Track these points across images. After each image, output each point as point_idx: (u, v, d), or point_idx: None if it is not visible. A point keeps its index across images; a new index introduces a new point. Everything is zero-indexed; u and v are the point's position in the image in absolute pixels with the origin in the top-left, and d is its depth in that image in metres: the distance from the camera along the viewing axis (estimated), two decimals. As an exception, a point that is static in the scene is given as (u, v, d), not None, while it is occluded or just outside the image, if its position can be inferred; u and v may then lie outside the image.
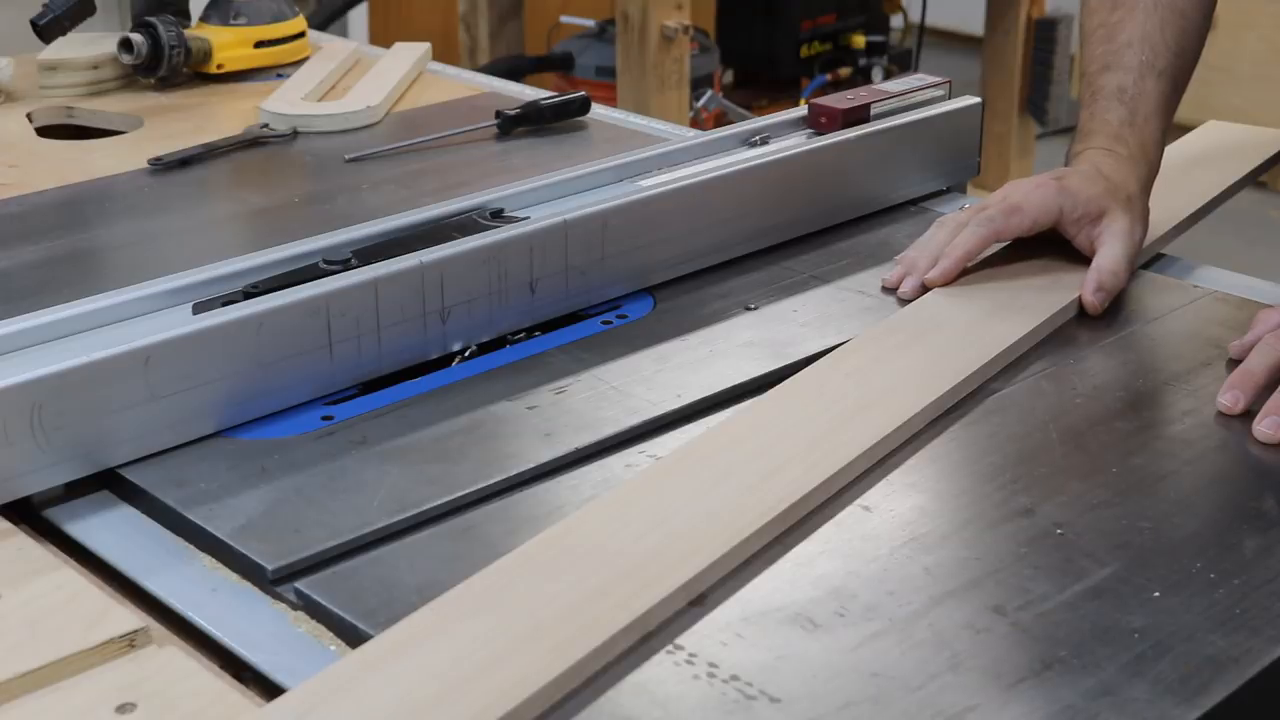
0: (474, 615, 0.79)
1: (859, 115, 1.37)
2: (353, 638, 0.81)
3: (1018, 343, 1.09)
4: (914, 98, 1.41)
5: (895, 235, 1.33)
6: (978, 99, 1.45)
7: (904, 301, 1.17)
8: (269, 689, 0.78)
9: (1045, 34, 4.71)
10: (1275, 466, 0.97)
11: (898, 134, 1.37)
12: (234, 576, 0.87)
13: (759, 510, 0.88)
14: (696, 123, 3.54)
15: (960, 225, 1.20)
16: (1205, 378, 1.07)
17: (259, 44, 1.80)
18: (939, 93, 1.43)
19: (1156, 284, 1.23)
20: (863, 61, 4.25)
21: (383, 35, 4.24)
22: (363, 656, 0.76)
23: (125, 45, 1.70)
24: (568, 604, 0.80)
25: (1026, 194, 1.19)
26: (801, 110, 1.40)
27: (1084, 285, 1.16)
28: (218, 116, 1.66)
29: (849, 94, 1.40)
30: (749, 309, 1.19)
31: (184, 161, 1.50)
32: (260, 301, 1.01)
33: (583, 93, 1.64)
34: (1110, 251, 1.16)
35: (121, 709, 0.74)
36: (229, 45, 1.78)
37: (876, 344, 1.09)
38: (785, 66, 4.19)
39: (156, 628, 0.82)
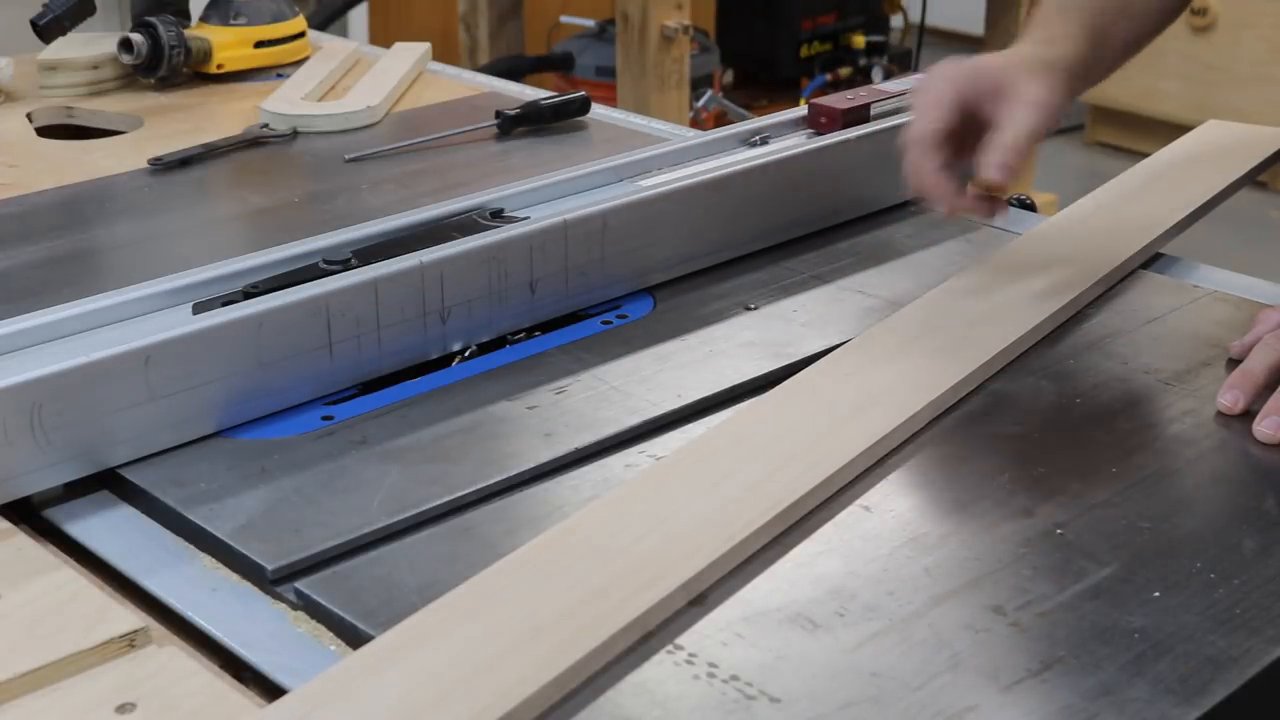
0: (474, 616, 0.79)
1: (859, 115, 1.37)
2: (353, 638, 0.81)
3: (1017, 342, 1.09)
4: (914, 98, 1.41)
5: (895, 235, 1.33)
6: (978, 99, 1.44)
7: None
8: (269, 689, 0.78)
9: (1045, 34, 4.67)
10: (1275, 466, 0.97)
11: (898, 134, 1.36)
12: (234, 576, 0.87)
13: (759, 510, 0.88)
14: (696, 123, 3.54)
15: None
16: (1205, 378, 1.07)
17: (259, 44, 1.80)
18: (939, 93, 1.43)
19: (1156, 284, 1.23)
20: (863, 61, 4.25)
21: (383, 35, 4.24)
22: (363, 658, 0.76)
23: (125, 45, 1.70)
24: (567, 604, 0.80)
25: (939, 81, 1.13)
26: (801, 110, 1.40)
27: (981, 159, 1.10)
28: (218, 116, 1.66)
29: (849, 94, 1.40)
30: (749, 309, 1.19)
31: (184, 161, 1.50)
32: (260, 301, 1.01)
33: (583, 93, 1.64)
34: (1011, 120, 1.10)
35: (121, 709, 0.74)
36: (229, 45, 1.78)
37: (876, 344, 1.09)
38: (785, 66, 4.19)
39: (156, 628, 0.82)
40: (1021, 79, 1.12)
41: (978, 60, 1.14)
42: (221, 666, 0.80)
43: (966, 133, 1.13)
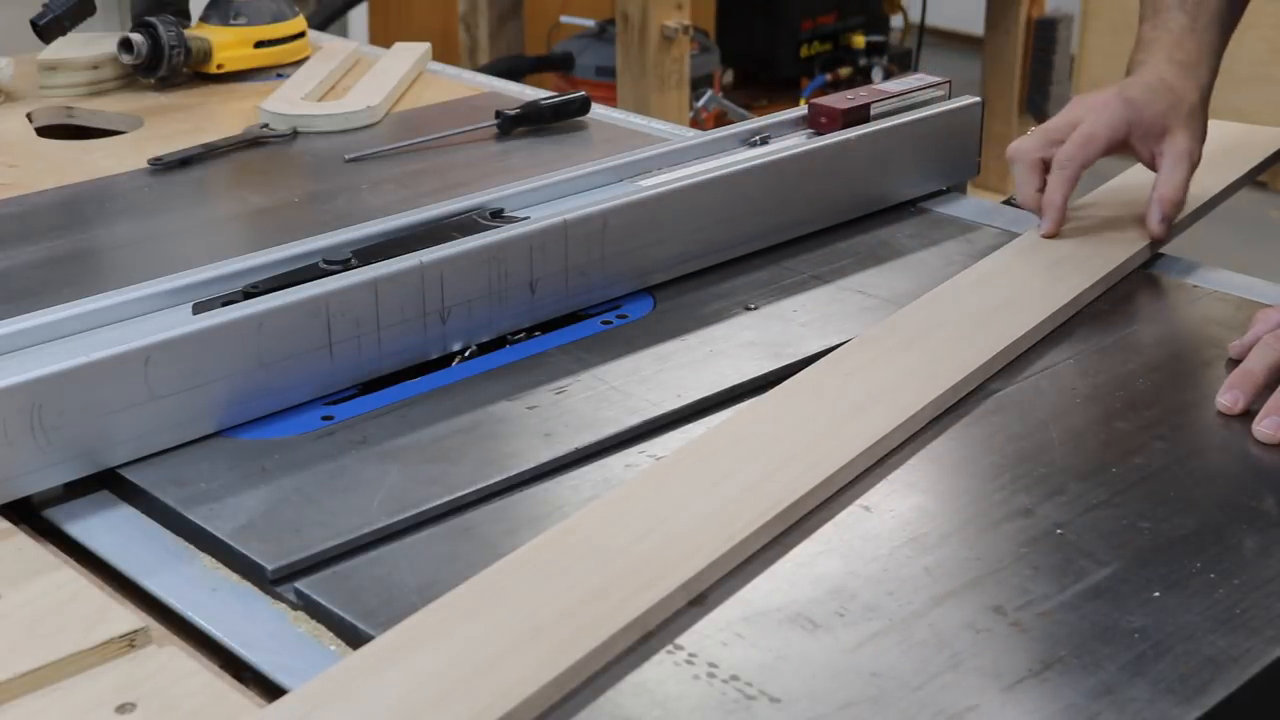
0: (474, 616, 0.79)
1: (859, 115, 1.37)
2: (352, 638, 0.81)
3: (1017, 342, 1.09)
4: (914, 98, 1.41)
5: (895, 235, 1.33)
6: (978, 99, 1.45)
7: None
8: (269, 689, 0.78)
9: (1045, 34, 4.70)
10: (1275, 466, 0.97)
11: (898, 134, 1.37)
12: (234, 576, 0.87)
13: (759, 510, 0.88)
14: (696, 123, 3.55)
15: (1033, 163, 1.25)
16: (1205, 378, 1.07)
17: (259, 44, 1.80)
18: (939, 93, 1.43)
19: (1156, 284, 1.23)
20: (863, 61, 4.26)
21: (383, 35, 4.24)
22: (363, 658, 0.76)
23: (125, 45, 1.70)
24: (567, 604, 0.80)
25: (1096, 119, 1.23)
26: (801, 110, 1.40)
27: (1148, 215, 1.23)
28: (218, 116, 1.66)
29: (849, 94, 1.40)
30: (749, 309, 1.19)
31: (184, 161, 1.50)
32: (260, 301, 1.01)
33: (583, 93, 1.64)
34: (1170, 177, 1.23)
35: (121, 709, 0.74)
36: (229, 45, 1.78)
37: (876, 344, 1.09)
38: (785, 66, 4.20)
39: (156, 628, 0.82)
40: (1177, 127, 1.23)
41: (1133, 99, 1.23)
42: (221, 666, 0.80)
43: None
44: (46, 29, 1.70)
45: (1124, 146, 1.25)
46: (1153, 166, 1.25)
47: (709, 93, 3.67)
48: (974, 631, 0.80)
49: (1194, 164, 1.24)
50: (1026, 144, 1.26)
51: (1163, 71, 1.25)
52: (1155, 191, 1.24)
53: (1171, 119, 1.23)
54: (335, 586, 0.85)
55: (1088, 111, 1.25)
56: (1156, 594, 0.83)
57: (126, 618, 0.81)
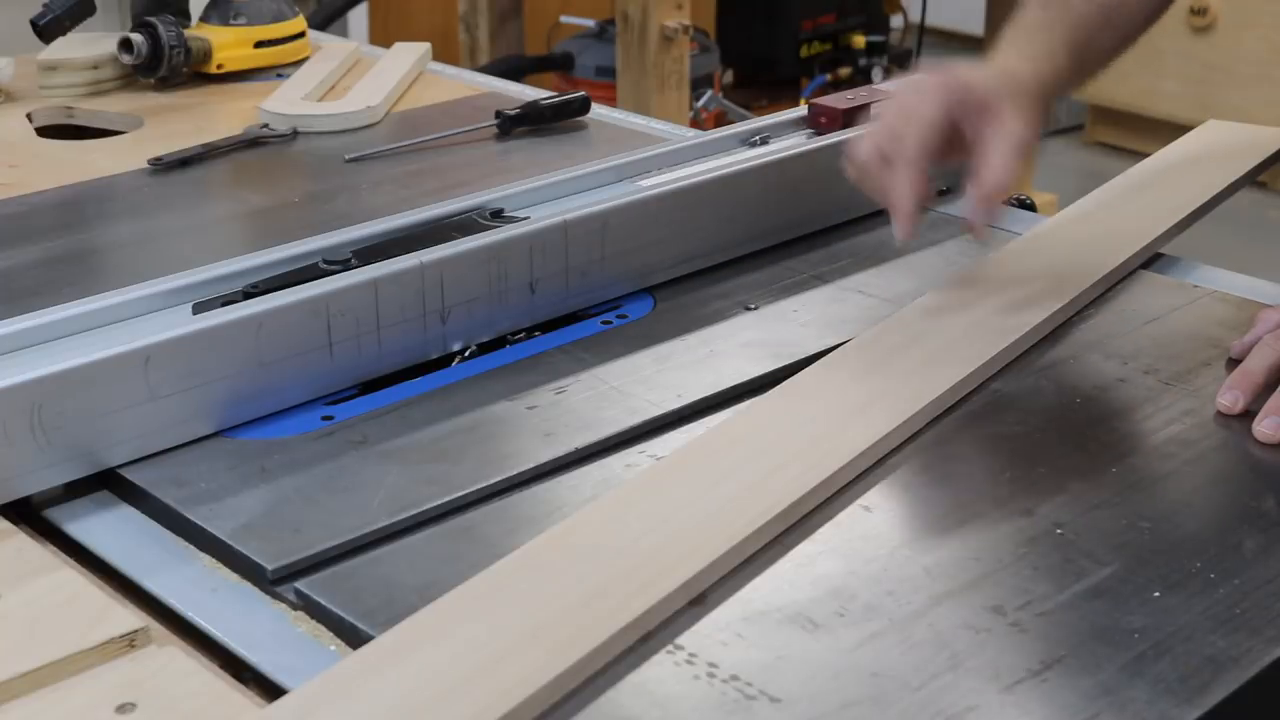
0: (474, 616, 0.79)
1: (859, 115, 1.37)
2: (352, 638, 0.81)
3: (1017, 342, 1.09)
4: (914, 98, 1.41)
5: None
6: (978, 99, 1.44)
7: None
8: (269, 689, 0.78)
9: (1045, 34, 4.67)
10: (1275, 466, 0.97)
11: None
12: (234, 576, 0.87)
13: (759, 510, 0.88)
14: (696, 123, 3.55)
15: (883, 158, 1.13)
16: (1205, 378, 1.07)
17: (259, 44, 1.80)
18: (939, 93, 1.43)
19: (1156, 284, 1.23)
20: (863, 61, 4.26)
21: (383, 35, 4.24)
22: (363, 658, 0.76)
23: (125, 45, 1.70)
24: (568, 604, 0.80)
25: (930, 107, 1.12)
26: (801, 110, 1.40)
27: (965, 202, 1.12)
28: (218, 116, 1.66)
29: (849, 94, 1.40)
30: (749, 309, 1.19)
31: (184, 161, 1.50)
32: (260, 301, 1.02)
33: (583, 93, 1.64)
34: (992, 160, 1.10)
35: (121, 709, 0.74)
36: (229, 45, 1.78)
37: (876, 344, 1.09)
38: (785, 66, 4.20)
39: (156, 628, 0.82)
40: (1005, 107, 1.12)
41: (964, 76, 1.13)
42: (221, 666, 0.80)
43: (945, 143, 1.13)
44: (46, 29, 1.70)
45: (959, 126, 1.12)
46: (978, 150, 1.12)
47: (709, 93, 3.67)
48: (974, 632, 0.80)
49: (1020, 147, 1.11)
50: (865, 148, 1.13)
51: (1006, 61, 1.17)
52: (976, 175, 1.10)
53: (1001, 99, 1.12)
54: (335, 586, 0.85)
55: (911, 100, 1.13)
56: (1156, 594, 0.83)
57: (126, 618, 0.81)
